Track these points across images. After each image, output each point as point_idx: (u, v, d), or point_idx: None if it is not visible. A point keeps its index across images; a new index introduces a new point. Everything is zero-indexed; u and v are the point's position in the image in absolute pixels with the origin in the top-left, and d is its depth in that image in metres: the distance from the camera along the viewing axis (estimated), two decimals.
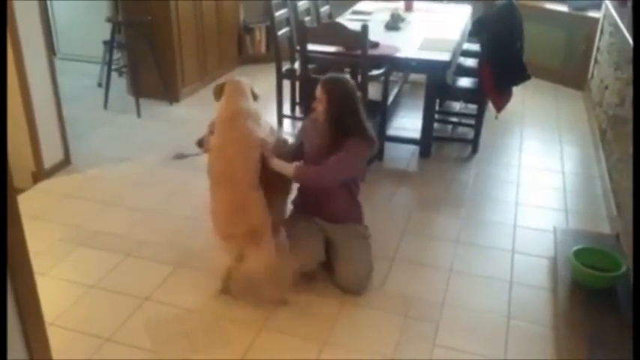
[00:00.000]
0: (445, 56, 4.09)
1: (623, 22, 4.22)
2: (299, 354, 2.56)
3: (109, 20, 5.24)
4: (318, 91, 2.90)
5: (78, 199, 3.80)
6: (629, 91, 3.63)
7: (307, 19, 5.09)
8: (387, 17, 4.95)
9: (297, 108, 5.13)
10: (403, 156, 4.48)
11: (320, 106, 2.89)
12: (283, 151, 3.03)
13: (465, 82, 4.72)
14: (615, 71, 4.30)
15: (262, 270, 2.70)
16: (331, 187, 2.95)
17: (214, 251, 2.88)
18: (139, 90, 5.19)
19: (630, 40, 3.71)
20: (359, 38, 3.83)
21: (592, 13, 5.75)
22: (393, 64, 4.23)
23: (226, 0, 6.06)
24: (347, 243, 2.97)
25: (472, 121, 4.66)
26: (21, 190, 3.76)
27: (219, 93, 3.05)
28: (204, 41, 5.77)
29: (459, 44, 4.61)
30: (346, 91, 2.89)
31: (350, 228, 3.04)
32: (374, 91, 4.45)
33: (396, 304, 2.85)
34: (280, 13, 4.84)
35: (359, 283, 2.91)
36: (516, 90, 4.57)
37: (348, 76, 3.10)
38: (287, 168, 2.87)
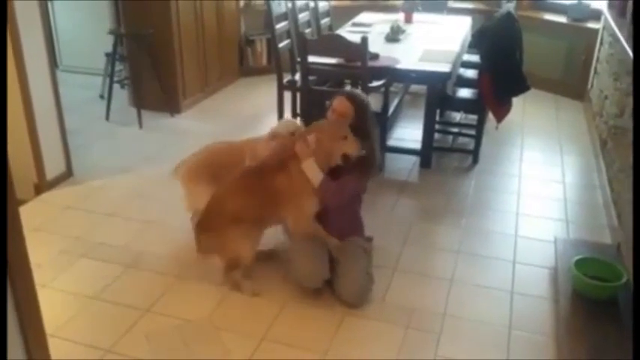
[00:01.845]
0: (445, 67, 4.12)
1: (622, 33, 4.24)
2: None
3: (111, 32, 5.28)
4: (345, 108, 2.95)
5: (79, 210, 3.81)
6: (629, 102, 3.64)
7: (308, 31, 5.13)
8: (386, 29, 4.98)
9: (299, 119, 5.14)
10: (404, 166, 4.49)
11: (340, 118, 2.93)
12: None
13: (465, 92, 4.74)
14: (615, 82, 4.32)
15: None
16: (342, 204, 2.99)
17: None
18: (141, 102, 5.21)
19: (629, 51, 3.73)
20: (359, 50, 3.86)
21: (591, 24, 5.78)
22: (393, 75, 4.26)
23: (227, 12, 6.10)
24: (348, 257, 2.96)
25: (472, 132, 4.67)
26: (23, 202, 3.77)
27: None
28: (206, 53, 5.81)
29: (459, 55, 4.64)
30: (368, 108, 3.04)
31: (352, 241, 3.04)
32: (374, 103, 4.45)
33: (398, 315, 2.85)
34: (281, 25, 4.87)
35: (359, 296, 2.90)
36: (516, 101, 4.58)
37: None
38: (317, 176, 2.84)
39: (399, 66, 4.17)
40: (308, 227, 2.93)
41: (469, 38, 5.10)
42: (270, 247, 3.26)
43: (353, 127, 2.89)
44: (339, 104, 2.99)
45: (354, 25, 5.40)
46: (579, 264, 2.90)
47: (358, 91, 3.18)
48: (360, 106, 2.98)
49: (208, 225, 2.92)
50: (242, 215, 2.85)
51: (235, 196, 2.90)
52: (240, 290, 2.96)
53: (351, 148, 2.83)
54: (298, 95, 4.84)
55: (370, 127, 3.02)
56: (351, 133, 2.84)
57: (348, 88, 3.21)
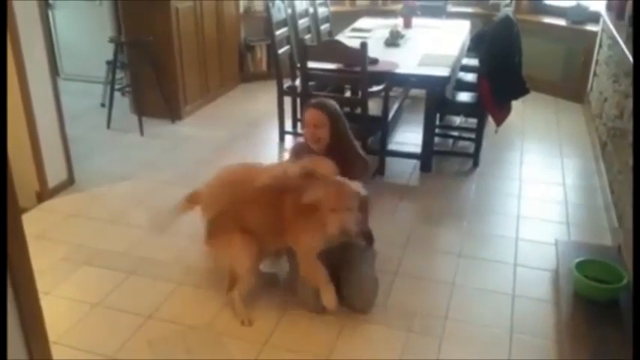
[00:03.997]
0: (444, 72, 4.13)
1: (620, 35, 4.25)
2: None
3: (111, 41, 5.30)
4: (317, 117, 2.92)
5: (82, 218, 3.82)
6: (628, 103, 3.65)
7: (307, 37, 5.15)
8: (386, 34, 5.00)
9: (299, 124, 5.16)
10: (404, 170, 4.50)
11: (321, 132, 2.92)
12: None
13: (464, 96, 4.75)
14: (614, 83, 4.33)
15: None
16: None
17: None
18: (142, 109, 5.23)
19: (628, 53, 3.74)
20: (358, 55, 3.88)
21: (590, 27, 5.79)
22: (393, 79, 4.27)
23: (227, 18, 6.13)
24: (354, 264, 2.94)
25: (472, 135, 4.68)
26: (25, 210, 3.78)
27: None
28: (206, 60, 5.83)
29: (458, 59, 4.65)
30: (340, 113, 3.02)
31: (355, 246, 3.02)
32: (374, 107, 4.48)
33: (399, 319, 2.85)
34: (281, 31, 4.90)
35: (368, 302, 2.90)
36: (516, 104, 4.60)
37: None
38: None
39: (398, 70, 4.19)
40: (311, 262, 2.77)
41: (468, 42, 5.12)
42: (273, 271, 3.19)
43: (333, 134, 2.92)
44: (310, 117, 2.94)
45: (354, 30, 5.42)
46: (580, 266, 2.90)
47: (325, 99, 3.15)
48: (331, 114, 2.95)
49: (220, 222, 2.85)
50: (251, 226, 2.78)
51: (252, 205, 2.79)
52: (234, 312, 2.87)
53: (350, 223, 2.59)
54: (298, 101, 4.86)
55: (348, 132, 3.01)
56: (355, 207, 2.61)
57: (313, 100, 3.18)
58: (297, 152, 3.11)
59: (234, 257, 2.83)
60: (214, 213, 2.89)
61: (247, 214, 2.79)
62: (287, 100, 4.92)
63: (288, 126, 5.07)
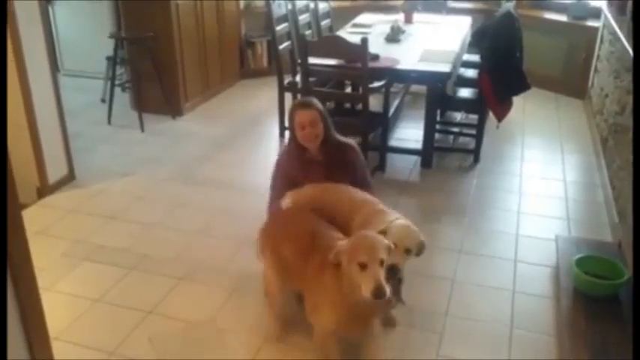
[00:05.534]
0: (445, 67, 4.12)
1: (622, 30, 4.25)
2: None
3: (111, 36, 5.30)
4: (310, 115, 2.89)
5: (82, 213, 3.82)
6: (629, 99, 3.65)
7: (308, 32, 5.14)
8: (387, 30, 4.99)
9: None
10: (405, 166, 4.49)
11: (317, 129, 2.91)
12: None
13: (465, 92, 4.75)
14: (615, 79, 4.32)
15: None
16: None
17: None
18: (142, 105, 5.23)
19: (629, 49, 3.73)
20: (359, 51, 3.87)
21: (591, 23, 5.78)
22: (394, 75, 4.26)
23: (228, 14, 6.12)
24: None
25: (473, 131, 4.67)
26: (25, 206, 3.79)
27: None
28: (206, 56, 5.82)
29: (459, 55, 4.64)
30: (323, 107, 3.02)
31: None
32: (375, 103, 4.48)
33: (400, 315, 2.84)
34: (281, 27, 4.89)
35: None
36: (517, 99, 4.59)
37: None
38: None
39: (399, 66, 4.18)
40: (325, 342, 2.49)
41: (469, 38, 5.11)
42: None
43: (325, 130, 2.92)
44: (304, 117, 2.89)
45: (355, 26, 5.41)
46: (580, 262, 2.90)
47: (305, 97, 3.14)
48: (320, 109, 2.93)
49: (264, 241, 2.69)
50: (281, 256, 2.54)
51: (286, 244, 2.53)
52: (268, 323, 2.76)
53: (368, 285, 2.08)
54: (299, 97, 4.85)
55: (332, 126, 3.00)
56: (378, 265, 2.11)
57: (297, 102, 3.19)
58: (290, 162, 3.03)
59: (265, 277, 2.77)
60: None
61: (283, 245, 2.56)
62: (288, 96, 4.92)
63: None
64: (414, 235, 2.47)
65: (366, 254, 2.09)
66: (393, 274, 2.35)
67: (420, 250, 2.47)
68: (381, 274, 2.09)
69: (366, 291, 2.06)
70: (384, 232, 2.40)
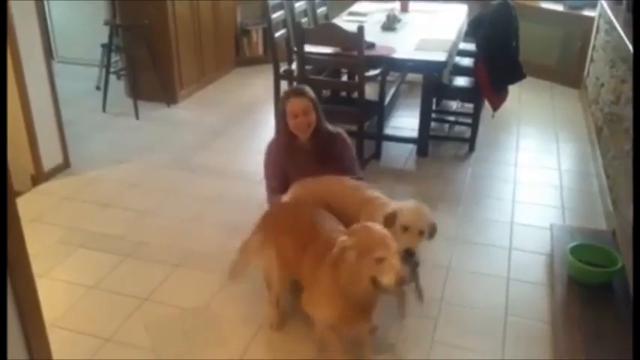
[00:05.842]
0: (441, 56, 4.11)
1: (618, 20, 4.24)
2: (297, 353, 2.58)
3: (106, 24, 5.26)
4: (303, 104, 2.88)
5: (77, 201, 3.82)
6: (625, 89, 3.65)
7: (304, 20, 5.11)
8: (383, 18, 4.97)
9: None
10: (401, 155, 4.50)
11: (310, 117, 2.91)
12: None
13: (461, 81, 4.74)
14: (611, 69, 4.32)
15: None
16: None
17: None
18: (137, 92, 5.21)
19: (626, 39, 3.73)
20: (355, 39, 3.85)
21: (587, 12, 5.78)
22: (390, 64, 4.25)
23: (223, 2, 6.08)
24: None
25: (469, 120, 4.68)
26: (20, 193, 3.78)
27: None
28: (202, 43, 5.80)
29: (455, 44, 4.63)
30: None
31: None
32: (371, 91, 4.47)
33: (395, 302, 2.86)
34: (277, 14, 4.86)
35: None
36: (512, 89, 4.59)
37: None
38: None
39: (395, 55, 4.17)
40: (326, 335, 2.45)
41: (465, 27, 5.09)
42: None
43: (318, 118, 2.92)
44: (297, 106, 2.87)
45: (351, 14, 5.38)
46: (575, 250, 2.92)
47: (298, 86, 3.13)
48: (312, 97, 2.92)
49: (265, 232, 2.66)
50: (281, 246, 2.57)
51: (287, 236, 2.54)
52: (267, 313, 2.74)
53: (389, 275, 2.08)
54: (295, 84, 4.84)
55: (323, 115, 3.01)
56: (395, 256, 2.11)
57: (289, 90, 3.19)
58: (278, 150, 3.02)
59: (264, 271, 2.71)
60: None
61: (282, 239, 2.56)
62: (283, 84, 4.90)
63: None
64: (426, 216, 2.48)
65: (381, 249, 2.09)
66: (409, 257, 2.38)
67: (432, 231, 2.49)
68: (399, 262, 2.10)
69: (388, 280, 2.06)
70: (394, 215, 2.41)
